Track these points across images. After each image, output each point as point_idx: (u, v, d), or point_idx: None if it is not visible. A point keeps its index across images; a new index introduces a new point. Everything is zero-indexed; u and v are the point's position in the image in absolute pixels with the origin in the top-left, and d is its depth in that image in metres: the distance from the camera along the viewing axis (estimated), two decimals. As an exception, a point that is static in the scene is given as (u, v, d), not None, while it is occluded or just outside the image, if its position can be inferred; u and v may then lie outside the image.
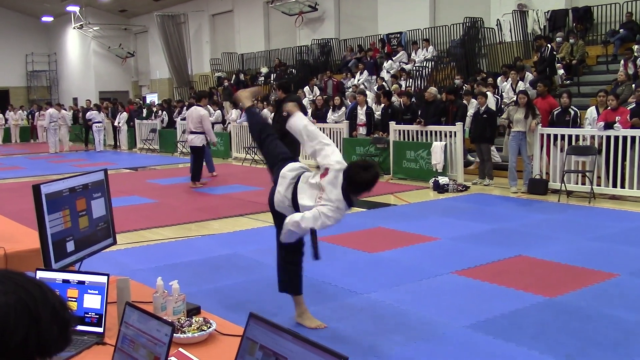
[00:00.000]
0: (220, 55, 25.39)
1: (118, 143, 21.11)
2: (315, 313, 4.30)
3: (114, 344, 1.95)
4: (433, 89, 12.26)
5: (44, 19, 32.29)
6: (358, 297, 4.86)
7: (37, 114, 23.75)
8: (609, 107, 9.31)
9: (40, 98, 31.24)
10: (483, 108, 10.65)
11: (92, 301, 2.38)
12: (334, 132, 13.31)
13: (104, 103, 22.45)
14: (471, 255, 6.03)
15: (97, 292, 2.39)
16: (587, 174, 9.16)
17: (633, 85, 10.96)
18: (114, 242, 3.16)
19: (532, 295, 4.80)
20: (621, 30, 13.75)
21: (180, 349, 2.15)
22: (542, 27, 15.48)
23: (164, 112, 19.64)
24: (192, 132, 10.98)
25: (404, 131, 11.89)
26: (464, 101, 11.96)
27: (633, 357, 3.67)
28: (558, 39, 14.15)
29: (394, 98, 13.54)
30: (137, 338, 1.85)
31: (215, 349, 2.24)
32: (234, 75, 22.85)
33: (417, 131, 11.60)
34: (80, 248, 2.80)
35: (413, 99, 13.29)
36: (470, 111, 11.67)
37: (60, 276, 2.43)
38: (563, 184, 9.24)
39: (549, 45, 13.29)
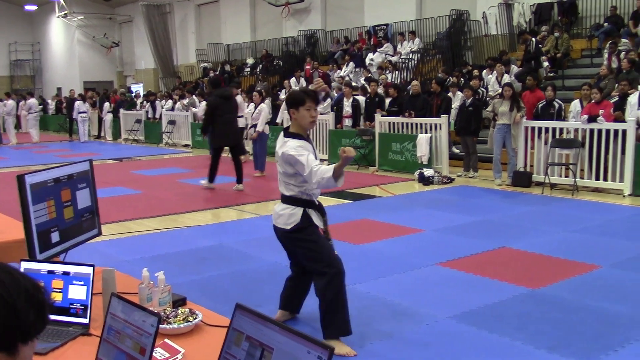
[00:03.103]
0: (206, 46, 25.24)
1: (102, 133, 20.94)
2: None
3: (100, 335, 1.95)
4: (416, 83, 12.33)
5: (28, 7, 31.88)
6: (343, 288, 4.87)
7: (20, 103, 23.57)
8: (593, 101, 9.39)
9: (24, 88, 30.89)
10: (469, 101, 10.69)
11: (77, 292, 2.38)
12: (319, 123, 13.29)
13: (89, 93, 22.24)
14: (455, 246, 6.08)
15: (82, 283, 2.38)
16: (571, 166, 9.24)
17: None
18: (99, 233, 3.15)
19: (515, 287, 4.85)
20: (605, 24, 13.86)
21: (166, 340, 2.16)
22: (527, 20, 15.55)
23: (148, 104, 19.50)
24: None
25: (389, 123, 11.91)
26: (449, 94, 12.00)
27: (614, 347, 3.72)
28: (542, 32, 14.22)
29: (379, 90, 13.54)
30: (123, 329, 1.85)
31: (201, 339, 2.24)
32: (219, 66, 22.74)
33: (402, 123, 11.63)
34: (65, 239, 2.79)
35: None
36: (456, 104, 11.71)
37: (45, 267, 2.42)
38: (547, 177, 9.33)
39: (533, 39, 13.36)
